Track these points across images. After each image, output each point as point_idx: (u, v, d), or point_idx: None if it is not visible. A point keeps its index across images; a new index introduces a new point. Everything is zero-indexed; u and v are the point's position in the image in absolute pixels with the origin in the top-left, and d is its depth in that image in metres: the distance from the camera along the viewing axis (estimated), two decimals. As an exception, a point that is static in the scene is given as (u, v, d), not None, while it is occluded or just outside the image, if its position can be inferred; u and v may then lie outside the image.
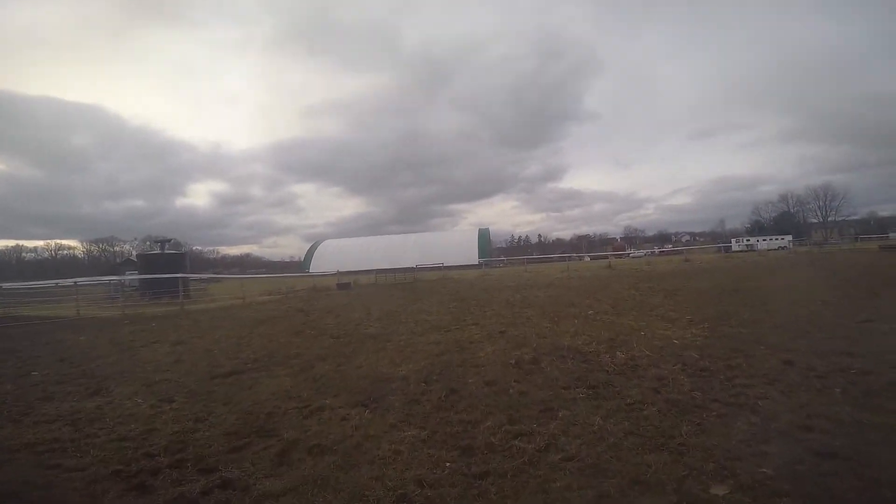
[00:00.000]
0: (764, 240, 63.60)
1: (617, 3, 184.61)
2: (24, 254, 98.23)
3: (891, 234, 65.97)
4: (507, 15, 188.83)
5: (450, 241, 75.51)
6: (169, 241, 29.25)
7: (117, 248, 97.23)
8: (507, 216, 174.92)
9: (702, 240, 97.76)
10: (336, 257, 73.21)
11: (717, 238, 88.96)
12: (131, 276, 21.29)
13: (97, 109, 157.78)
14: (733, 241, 66.39)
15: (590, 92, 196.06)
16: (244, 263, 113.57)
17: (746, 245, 61.38)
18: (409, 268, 36.36)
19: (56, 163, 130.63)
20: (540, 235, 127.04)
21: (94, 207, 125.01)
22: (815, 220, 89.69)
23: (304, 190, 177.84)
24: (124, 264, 79.83)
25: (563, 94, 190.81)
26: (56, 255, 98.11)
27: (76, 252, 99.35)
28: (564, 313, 10.47)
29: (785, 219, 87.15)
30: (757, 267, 23.54)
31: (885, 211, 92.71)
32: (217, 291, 30.24)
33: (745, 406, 4.01)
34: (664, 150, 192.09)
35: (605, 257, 52.28)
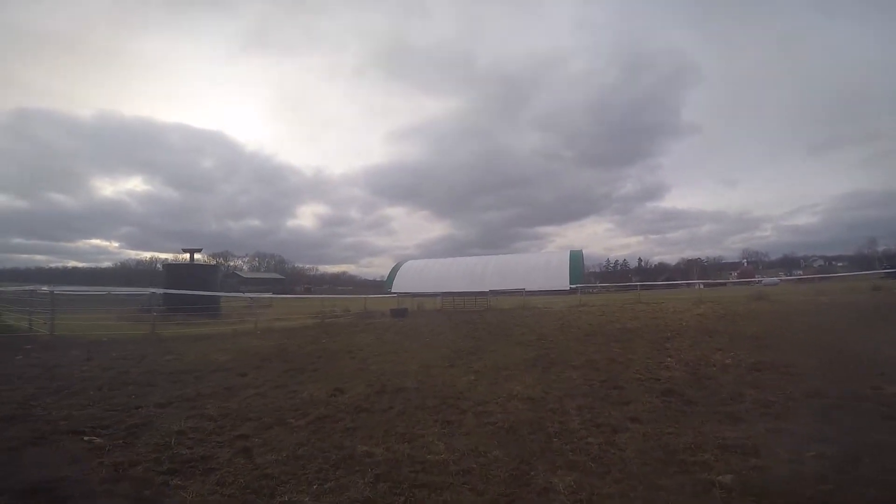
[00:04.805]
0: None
1: (711, 4, 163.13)
2: (157, 265, 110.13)
3: None
4: (584, 28, 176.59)
5: (535, 264, 67.49)
6: (198, 249, 26.75)
7: (231, 263, 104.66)
8: (600, 239, 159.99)
9: (841, 264, 77.88)
10: (416, 278, 69.67)
11: (863, 262, 68.16)
12: (155, 291, 18.48)
13: (219, 136, 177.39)
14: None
15: (687, 103, 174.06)
16: (337, 281, 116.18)
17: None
18: (481, 292, 29.94)
19: (187, 184, 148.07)
20: (640, 259, 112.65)
21: (218, 225, 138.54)
22: None
23: (396, 213, 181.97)
24: (229, 276, 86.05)
25: (655, 107, 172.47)
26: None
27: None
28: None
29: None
30: None
31: None
32: (266, 312, 26.96)
33: None
34: (779, 164, 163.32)
35: (724, 284, 41.12)
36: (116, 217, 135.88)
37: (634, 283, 54.34)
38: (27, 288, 17.64)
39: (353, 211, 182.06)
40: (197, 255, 28.18)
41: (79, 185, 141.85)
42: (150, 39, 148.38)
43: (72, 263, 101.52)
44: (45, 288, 15.51)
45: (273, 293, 45.88)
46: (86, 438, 3.80)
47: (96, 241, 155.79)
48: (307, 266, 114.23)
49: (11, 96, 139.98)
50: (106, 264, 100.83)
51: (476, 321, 18.00)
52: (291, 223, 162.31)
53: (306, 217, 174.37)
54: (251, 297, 28.48)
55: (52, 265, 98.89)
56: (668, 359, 8.13)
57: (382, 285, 79.37)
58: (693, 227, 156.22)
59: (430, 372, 7.62)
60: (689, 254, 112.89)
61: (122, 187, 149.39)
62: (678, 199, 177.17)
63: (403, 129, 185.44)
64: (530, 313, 21.19)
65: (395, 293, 47.86)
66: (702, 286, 52.02)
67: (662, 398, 5.38)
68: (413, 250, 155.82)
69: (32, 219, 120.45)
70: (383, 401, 5.61)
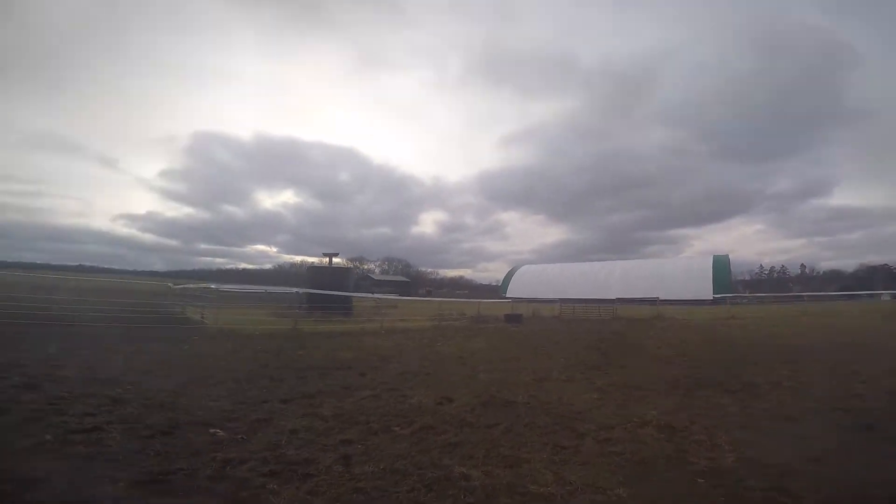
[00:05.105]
0: None
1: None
2: (305, 268, 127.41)
3: None
4: (699, 14, 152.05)
5: (670, 271, 60.16)
6: (335, 254, 29.34)
7: (365, 266, 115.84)
8: (750, 243, 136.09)
9: None
10: (532, 283, 67.94)
11: None
12: (298, 290, 21.03)
13: (352, 151, 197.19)
14: None
15: (848, 87, 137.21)
16: (455, 285, 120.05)
17: None
18: (606, 299, 27.56)
19: (328, 195, 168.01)
20: (803, 266, 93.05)
21: (354, 233, 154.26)
22: None
23: (510, 218, 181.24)
24: (363, 279, 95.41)
25: (807, 93, 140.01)
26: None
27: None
28: None
29: None
30: None
31: None
32: (392, 313, 28.70)
33: None
34: None
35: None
36: (275, 225, 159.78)
37: (799, 294, 45.05)
38: (202, 286, 21.43)
39: (468, 217, 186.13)
40: (335, 259, 31.36)
41: (245, 198, 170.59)
42: (285, 68, 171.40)
43: (242, 265, 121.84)
44: (212, 286, 18.62)
45: (399, 295, 48.98)
46: (211, 431, 4.15)
47: (260, 247, 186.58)
48: (429, 270, 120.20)
49: (190, 122, 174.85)
50: (267, 266, 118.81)
51: (601, 331, 16.54)
52: (415, 230, 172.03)
53: (427, 224, 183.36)
54: (378, 298, 30.63)
55: (228, 266, 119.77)
56: (860, 384, 6.31)
57: (497, 290, 79.24)
58: (874, 228, 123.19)
59: (543, 385, 7.02)
60: (871, 259, 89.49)
61: (278, 199, 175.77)
62: (851, 196, 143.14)
63: (512, 134, 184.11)
64: (667, 324, 18.79)
65: (509, 298, 47.22)
66: (890, 297, 40.91)
67: (855, 434, 4.05)
68: (528, 255, 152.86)
69: (213, 227, 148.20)
70: (489, 414, 5.23)
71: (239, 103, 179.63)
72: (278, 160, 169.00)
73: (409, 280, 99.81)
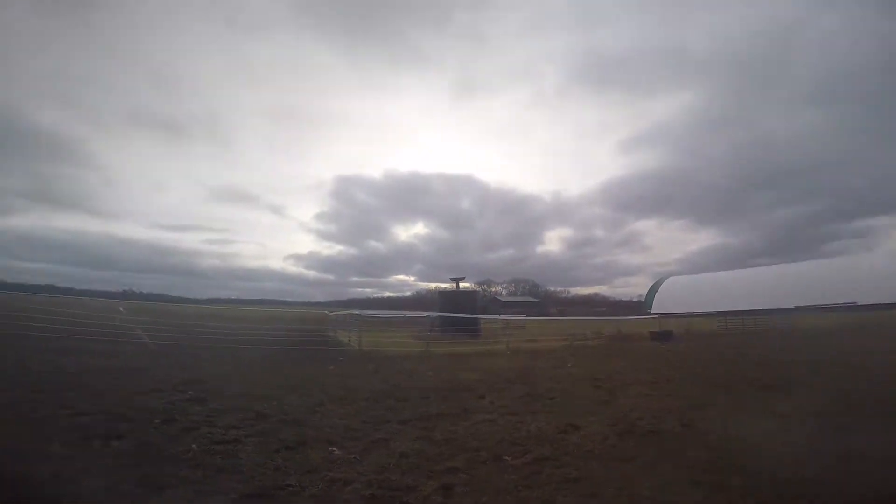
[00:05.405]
0: None
1: None
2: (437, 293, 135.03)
3: None
4: None
5: (867, 270, 47.09)
6: (462, 278, 29.82)
7: (493, 289, 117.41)
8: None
9: None
10: (681, 296, 60.28)
11: None
12: (429, 314, 21.99)
13: (470, 178, 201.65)
14: None
15: None
16: (590, 303, 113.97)
17: None
18: (780, 309, 22.59)
19: (453, 224, 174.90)
20: None
21: (479, 257, 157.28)
22: None
23: (646, 227, 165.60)
24: (491, 301, 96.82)
25: None
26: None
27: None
28: None
29: None
30: None
31: None
32: (520, 333, 27.98)
33: None
34: None
35: None
36: (410, 256, 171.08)
37: None
38: (349, 312, 23.77)
39: (597, 230, 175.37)
40: (462, 284, 32.17)
41: (385, 233, 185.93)
42: (390, 107, 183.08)
43: (386, 293, 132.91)
44: (356, 312, 20.50)
45: (528, 315, 47.85)
46: (329, 448, 4.26)
47: (400, 276, 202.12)
48: (559, 289, 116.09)
49: (331, 168, 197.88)
50: (407, 293, 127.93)
51: (777, 347, 13.49)
52: (540, 249, 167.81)
53: (553, 241, 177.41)
54: (505, 319, 30.30)
55: (375, 295, 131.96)
56: None
57: (640, 306, 72.02)
58: None
59: (702, 413, 5.83)
60: None
61: (410, 232, 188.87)
62: None
63: (630, 138, 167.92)
64: (881, 338, 14.49)
65: (655, 314, 42.21)
66: None
67: None
68: (673, 265, 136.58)
69: (360, 261, 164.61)
70: (626, 446, 4.46)
71: (364, 146, 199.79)
72: (407, 194, 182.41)
73: (539, 300, 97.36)
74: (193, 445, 4.11)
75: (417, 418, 5.67)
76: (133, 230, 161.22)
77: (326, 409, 6.07)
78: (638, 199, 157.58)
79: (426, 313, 24.16)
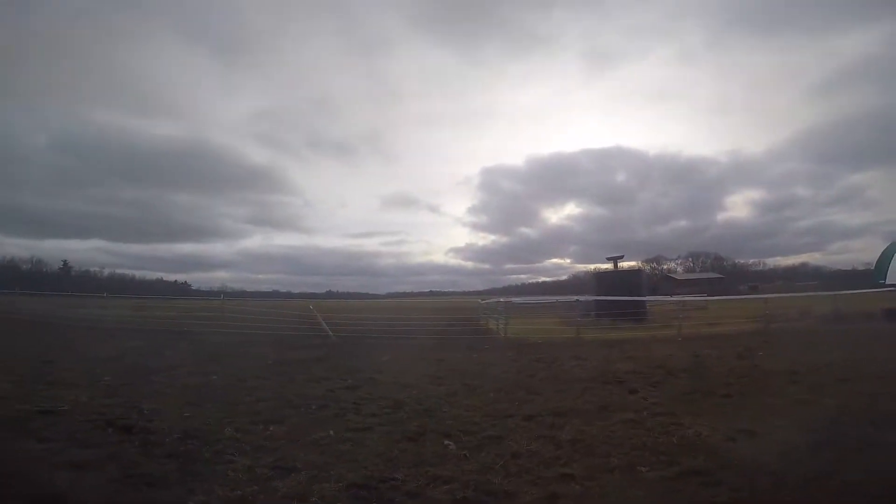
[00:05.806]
0: None
1: None
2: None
3: None
4: None
5: None
6: (620, 256, 26.70)
7: (665, 266, 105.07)
8: None
9: None
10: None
11: None
12: (579, 298, 20.53)
13: (618, 150, 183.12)
14: None
15: None
16: (794, 275, 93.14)
17: None
18: None
19: (609, 199, 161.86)
20: None
21: (647, 232, 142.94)
22: None
23: (867, 179, 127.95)
24: (664, 280, 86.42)
25: None
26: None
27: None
28: None
29: None
30: None
31: None
32: (699, 316, 24.12)
33: None
34: None
35: None
36: (564, 238, 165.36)
37: None
38: (496, 300, 23.98)
39: (798, 188, 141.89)
40: (621, 262, 29.36)
41: (535, 218, 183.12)
42: (525, 94, 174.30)
43: (541, 278, 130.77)
44: (501, 299, 20.53)
45: (709, 294, 41.05)
46: (446, 442, 4.16)
47: (555, 260, 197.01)
48: (751, 261, 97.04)
49: (476, 162, 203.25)
50: (563, 277, 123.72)
51: None
52: (722, 216, 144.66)
53: (738, 207, 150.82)
54: (679, 300, 26.55)
55: (530, 281, 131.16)
56: None
57: (867, 276, 55.36)
58: None
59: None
60: None
61: (562, 214, 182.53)
62: None
63: (825, 80, 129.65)
64: None
65: (890, 286, 31.66)
66: None
67: None
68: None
69: (513, 248, 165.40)
70: (822, 460, 3.29)
71: (503, 136, 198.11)
72: (553, 176, 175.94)
73: (723, 276, 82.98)
74: (331, 431, 4.50)
75: (547, 414, 5.22)
76: (330, 241, 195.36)
77: (456, 400, 6.07)
78: (850, 148, 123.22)
79: (577, 297, 22.72)
